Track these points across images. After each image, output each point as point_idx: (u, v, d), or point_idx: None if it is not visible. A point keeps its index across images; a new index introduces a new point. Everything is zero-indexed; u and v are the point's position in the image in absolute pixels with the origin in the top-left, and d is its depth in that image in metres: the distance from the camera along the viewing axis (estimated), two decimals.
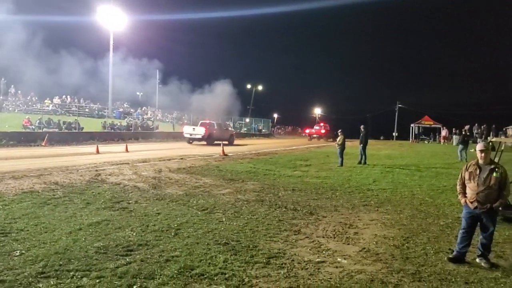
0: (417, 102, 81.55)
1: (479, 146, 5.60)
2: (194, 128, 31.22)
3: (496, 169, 5.42)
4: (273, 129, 68.60)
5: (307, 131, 53.64)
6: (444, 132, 48.26)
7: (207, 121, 32.88)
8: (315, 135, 49.27)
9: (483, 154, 5.48)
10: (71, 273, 4.50)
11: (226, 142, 31.21)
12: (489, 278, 4.91)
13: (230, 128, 39.78)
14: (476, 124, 43.47)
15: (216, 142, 29.84)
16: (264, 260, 5.20)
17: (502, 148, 9.14)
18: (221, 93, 50.29)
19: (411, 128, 54.62)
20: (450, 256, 5.52)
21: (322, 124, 53.67)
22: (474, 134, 39.87)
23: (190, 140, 30.91)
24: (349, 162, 18.02)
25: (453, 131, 45.33)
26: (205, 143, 29.88)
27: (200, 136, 30.10)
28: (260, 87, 77.01)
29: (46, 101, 37.74)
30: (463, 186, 5.69)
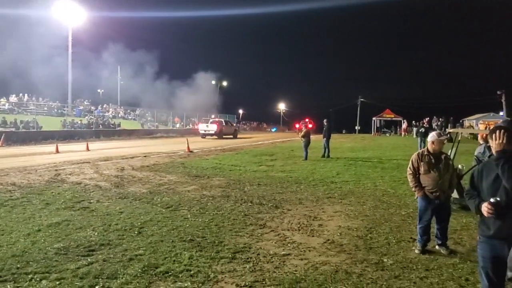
0: (378, 95, 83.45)
1: (438, 135, 5.64)
2: (207, 125, 37.80)
3: (448, 156, 5.59)
4: (238, 125, 68.61)
5: (297, 126, 60.04)
6: (404, 125, 49.58)
7: (217, 119, 40.37)
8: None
9: (445, 143, 5.59)
10: (30, 276, 4.34)
11: (231, 136, 39.15)
12: (448, 264, 5.07)
13: (234, 125, 47.19)
14: (435, 117, 44.84)
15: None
16: (230, 255, 5.18)
17: (459, 138, 9.45)
18: (190, 90, 51.85)
19: (373, 121, 55.80)
20: (419, 248, 5.53)
21: (307, 120, 56.75)
22: (434, 126, 41.11)
23: (204, 135, 36.94)
24: (313, 155, 18.21)
25: (413, 123, 46.64)
26: (216, 137, 36.72)
27: (213, 132, 36.83)
28: (225, 83, 76.90)
29: (1, 99, 36.26)
30: (417, 178, 5.62)
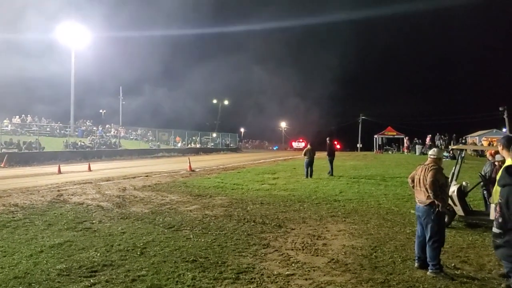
0: (380, 113, 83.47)
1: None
2: (298, 143, 67.79)
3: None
4: (240, 143, 68.75)
5: (338, 146, 68.97)
6: (407, 142, 49.46)
7: (303, 140, 65.80)
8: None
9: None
10: None
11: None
12: (455, 283, 5.00)
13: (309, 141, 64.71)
14: (437, 134, 44.91)
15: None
16: (233, 276, 5.12)
17: (463, 155, 9.42)
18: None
19: (374, 139, 55.70)
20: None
21: (335, 142, 62.05)
22: (436, 143, 41.19)
23: (295, 149, 64.07)
24: (316, 173, 18.17)
25: (415, 140, 46.63)
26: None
27: (302, 146, 58.84)
28: (226, 102, 77.50)
29: (5, 121, 36.46)
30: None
